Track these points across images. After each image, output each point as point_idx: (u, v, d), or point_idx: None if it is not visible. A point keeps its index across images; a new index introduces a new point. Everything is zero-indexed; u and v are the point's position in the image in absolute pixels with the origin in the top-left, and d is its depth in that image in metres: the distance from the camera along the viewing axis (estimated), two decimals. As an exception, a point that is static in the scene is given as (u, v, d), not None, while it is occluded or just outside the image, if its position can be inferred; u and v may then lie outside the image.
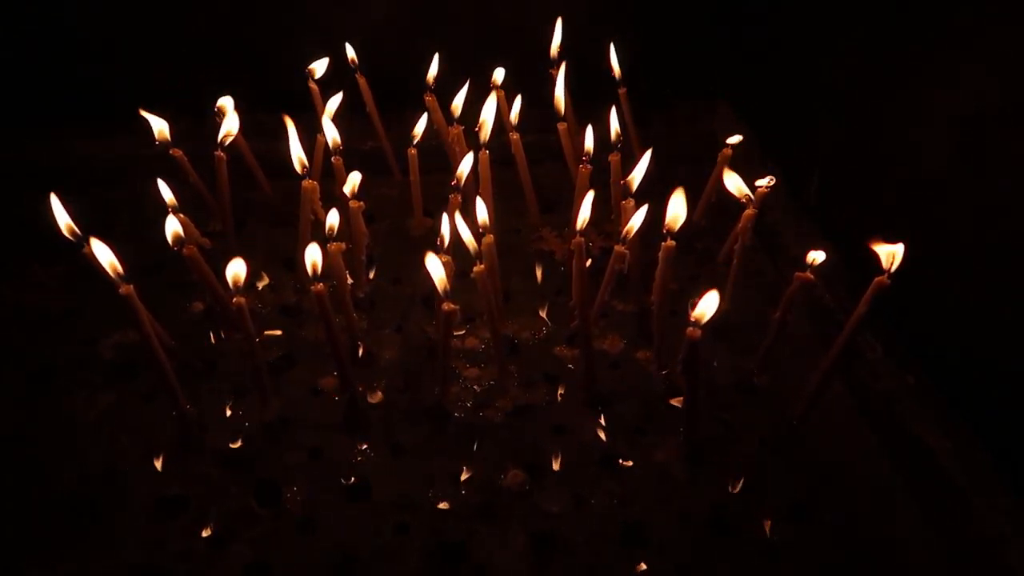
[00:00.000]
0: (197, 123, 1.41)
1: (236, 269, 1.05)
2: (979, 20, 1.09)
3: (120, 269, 1.02)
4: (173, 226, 1.11)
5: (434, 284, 1.04)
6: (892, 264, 0.99)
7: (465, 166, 1.24)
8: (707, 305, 0.95)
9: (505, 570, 0.96)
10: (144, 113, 1.29)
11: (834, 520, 1.01)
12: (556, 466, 1.07)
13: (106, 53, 1.61)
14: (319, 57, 1.43)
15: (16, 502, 1.03)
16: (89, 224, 1.09)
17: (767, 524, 1.01)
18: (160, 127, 1.29)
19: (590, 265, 1.35)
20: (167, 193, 1.18)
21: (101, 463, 1.07)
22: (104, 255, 1.02)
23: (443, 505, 1.02)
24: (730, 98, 1.67)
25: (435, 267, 1.03)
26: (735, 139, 1.31)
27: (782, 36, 1.59)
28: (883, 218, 1.29)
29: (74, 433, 1.11)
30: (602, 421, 1.13)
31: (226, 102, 1.32)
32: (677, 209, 1.07)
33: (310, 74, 1.41)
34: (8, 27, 1.58)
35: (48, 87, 1.62)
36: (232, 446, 1.09)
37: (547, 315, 1.30)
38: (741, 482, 1.05)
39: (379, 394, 1.16)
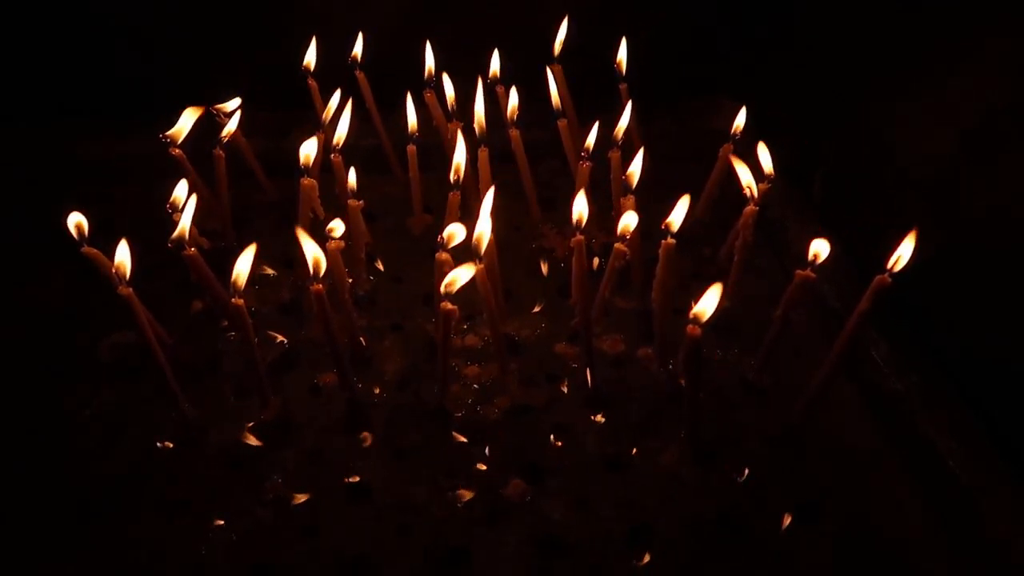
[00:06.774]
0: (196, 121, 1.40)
1: (240, 268, 1.03)
2: (989, 15, 1.08)
3: (126, 271, 1.01)
4: (180, 226, 1.10)
5: (437, 283, 1.03)
6: (896, 263, 0.98)
7: (459, 157, 1.23)
8: (708, 302, 0.94)
9: (507, 574, 0.95)
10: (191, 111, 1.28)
11: (840, 519, 1.00)
12: (558, 467, 1.06)
13: (109, 51, 1.60)
14: (319, 55, 1.42)
15: (24, 504, 1.03)
16: (92, 224, 1.10)
17: (773, 524, 1.00)
18: (183, 125, 1.27)
19: (592, 262, 1.35)
20: (181, 190, 1.17)
21: (103, 465, 1.07)
22: (121, 255, 1.02)
23: (444, 507, 1.02)
24: (735, 96, 1.65)
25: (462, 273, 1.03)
26: (739, 120, 1.29)
27: (788, 33, 1.57)
28: (889, 216, 1.28)
29: (76, 435, 1.10)
30: (604, 421, 1.12)
31: (228, 103, 1.31)
32: (679, 212, 1.07)
33: (307, 70, 1.41)
34: (11, 27, 1.57)
35: (46, 86, 1.62)
36: (232, 447, 1.09)
37: (548, 313, 1.29)
38: (746, 482, 1.04)
39: (379, 393, 1.16)
